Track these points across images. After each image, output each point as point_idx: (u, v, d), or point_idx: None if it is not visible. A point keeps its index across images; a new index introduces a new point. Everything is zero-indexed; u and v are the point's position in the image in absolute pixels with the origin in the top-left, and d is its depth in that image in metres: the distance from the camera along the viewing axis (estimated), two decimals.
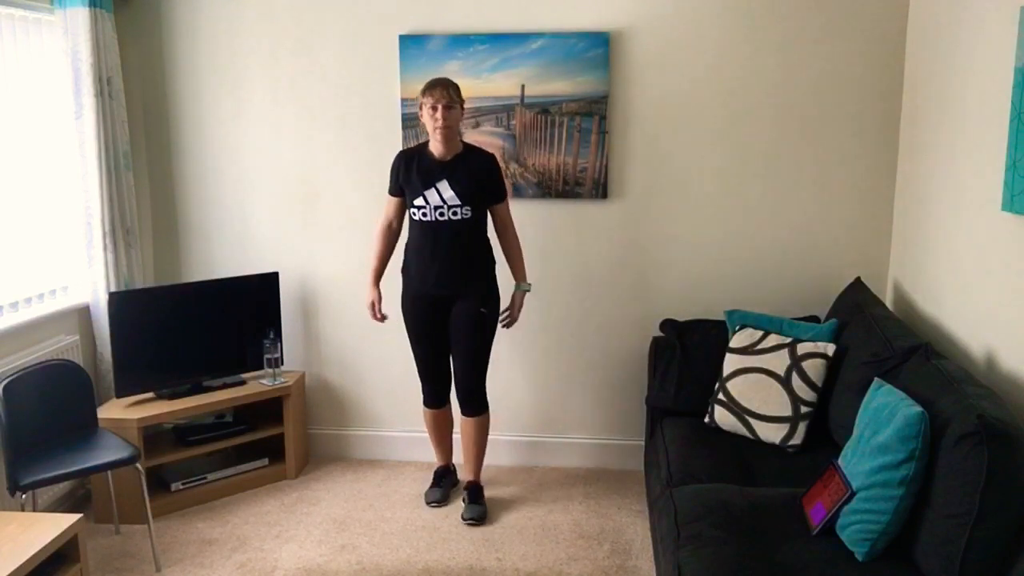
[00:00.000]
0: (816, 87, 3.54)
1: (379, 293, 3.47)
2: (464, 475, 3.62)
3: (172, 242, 4.01)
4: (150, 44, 3.87)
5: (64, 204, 3.59)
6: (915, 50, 3.36)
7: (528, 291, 3.47)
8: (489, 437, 3.89)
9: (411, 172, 3.28)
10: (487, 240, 3.39)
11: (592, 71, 3.60)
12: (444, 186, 3.23)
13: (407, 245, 3.40)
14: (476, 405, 3.46)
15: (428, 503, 3.55)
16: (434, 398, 3.54)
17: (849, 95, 3.53)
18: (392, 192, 3.39)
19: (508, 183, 3.72)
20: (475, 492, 3.53)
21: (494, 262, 3.42)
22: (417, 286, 3.36)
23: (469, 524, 3.40)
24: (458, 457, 3.70)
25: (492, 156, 3.35)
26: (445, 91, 3.16)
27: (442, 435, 3.65)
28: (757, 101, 3.58)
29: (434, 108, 3.16)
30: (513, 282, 3.44)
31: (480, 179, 3.27)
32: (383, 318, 3.48)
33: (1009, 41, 2.42)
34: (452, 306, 3.36)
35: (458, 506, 3.54)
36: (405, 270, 3.42)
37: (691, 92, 3.61)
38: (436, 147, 3.25)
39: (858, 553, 2.15)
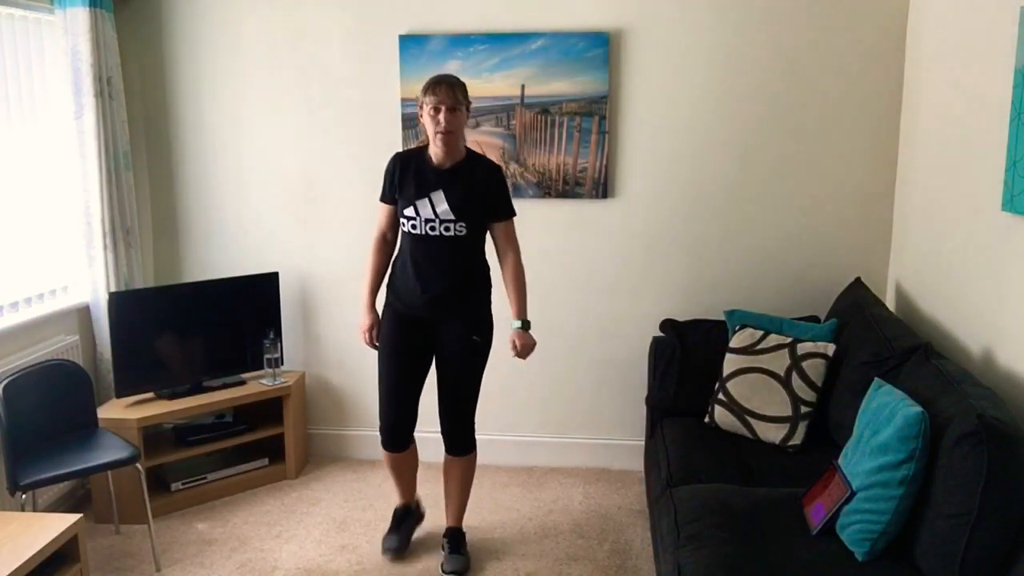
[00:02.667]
0: (816, 87, 3.54)
1: (376, 317, 3.08)
2: (446, 520, 3.21)
3: (172, 242, 4.02)
4: (150, 44, 3.87)
5: (64, 204, 3.59)
6: (915, 50, 3.36)
7: (524, 325, 3.00)
8: (489, 437, 3.90)
9: (406, 178, 2.92)
10: (484, 261, 3.02)
11: (592, 71, 3.60)
12: (439, 197, 2.86)
13: (396, 257, 3.06)
14: (464, 443, 3.09)
15: (384, 551, 3.13)
16: (394, 438, 3.07)
17: (849, 95, 3.53)
18: (384, 199, 3.01)
19: (508, 183, 3.71)
20: (456, 540, 3.13)
21: (490, 286, 3.06)
22: (402, 305, 2.99)
23: None
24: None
25: (498, 168, 2.99)
26: (451, 91, 2.77)
27: (403, 474, 3.21)
28: (757, 100, 3.58)
29: (436, 110, 2.78)
30: (515, 320, 3.00)
31: (480, 192, 2.89)
32: (377, 346, 3.08)
33: (1009, 41, 2.42)
34: (438, 331, 3.00)
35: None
36: (390, 283, 3.06)
37: (691, 92, 3.61)
38: (436, 153, 2.87)
39: (858, 553, 2.15)
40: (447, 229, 2.88)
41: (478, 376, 3.05)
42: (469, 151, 2.97)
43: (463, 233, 2.89)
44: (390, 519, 3.29)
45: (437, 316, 2.98)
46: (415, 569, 3.07)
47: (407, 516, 3.27)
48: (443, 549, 3.14)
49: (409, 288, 2.96)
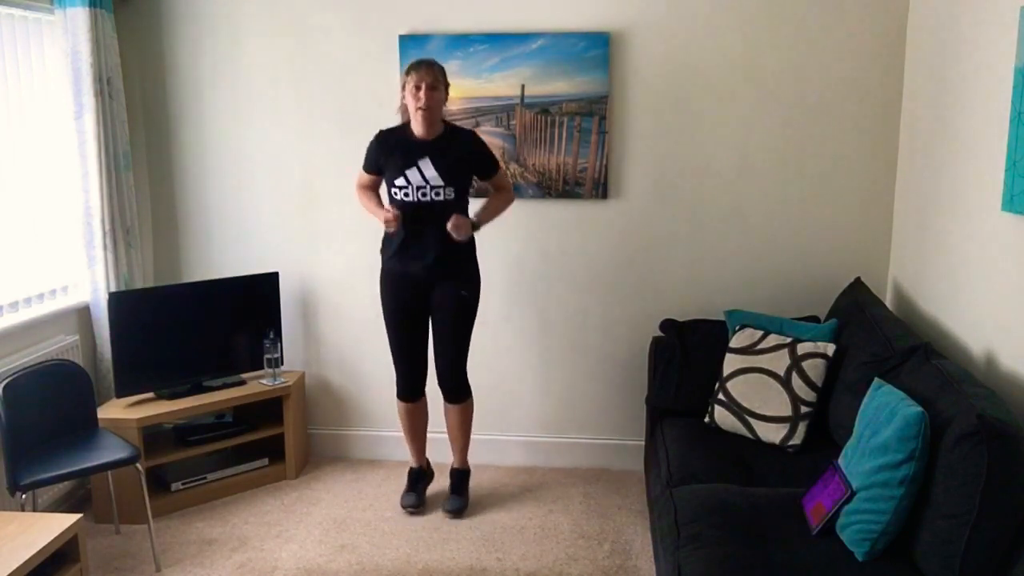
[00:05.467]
0: (816, 87, 3.54)
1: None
2: (451, 462, 3.59)
3: (172, 242, 4.02)
4: (150, 44, 3.87)
5: (64, 204, 3.59)
6: (915, 50, 3.36)
7: (474, 227, 3.23)
8: (489, 437, 3.91)
9: (392, 152, 3.19)
10: None
11: (592, 71, 3.60)
12: (427, 164, 3.14)
13: None
14: (459, 391, 3.41)
15: (404, 507, 3.46)
16: (408, 388, 3.43)
17: (849, 95, 3.53)
18: (367, 168, 3.31)
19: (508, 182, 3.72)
20: (460, 481, 3.53)
21: (475, 245, 3.35)
22: (396, 268, 3.28)
23: (449, 516, 3.41)
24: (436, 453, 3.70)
25: (473, 131, 3.33)
26: (430, 70, 3.06)
27: (416, 431, 3.54)
28: (757, 101, 3.58)
29: (417, 87, 3.05)
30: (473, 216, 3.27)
31: (465, 159, 3.20)
32: (398, 222, 3.16)
33: (1009, 41, 2.42)
34: (431, 290, 3.29)
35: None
36: (384, 250, 3.34)
37: (691, 92, 3.61)
38: (417, 128, 3.15)
39: (858, 553, 2.15)
40: (437, 194, 3.16)
41: (468, 328, 3.36)
42: (447, 124, 3.26)
43: (451, 198, 3.17)
44: (405, 479, 3.58)
45: (430, 277, 3.26)
46: (415, 569, 3.07)
47: (421, 476, 3.57)
48: (448, 486, 3.54)
49: (403, 252, 3.25)
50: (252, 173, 3.91)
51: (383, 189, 3.35)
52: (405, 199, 3.17)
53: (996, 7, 2.54)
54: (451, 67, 3.64)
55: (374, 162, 3.28)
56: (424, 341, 3.40)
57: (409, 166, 3.15)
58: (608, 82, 3.61)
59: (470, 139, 3.27)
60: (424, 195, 3.15)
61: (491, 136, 3.70)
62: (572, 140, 3.67)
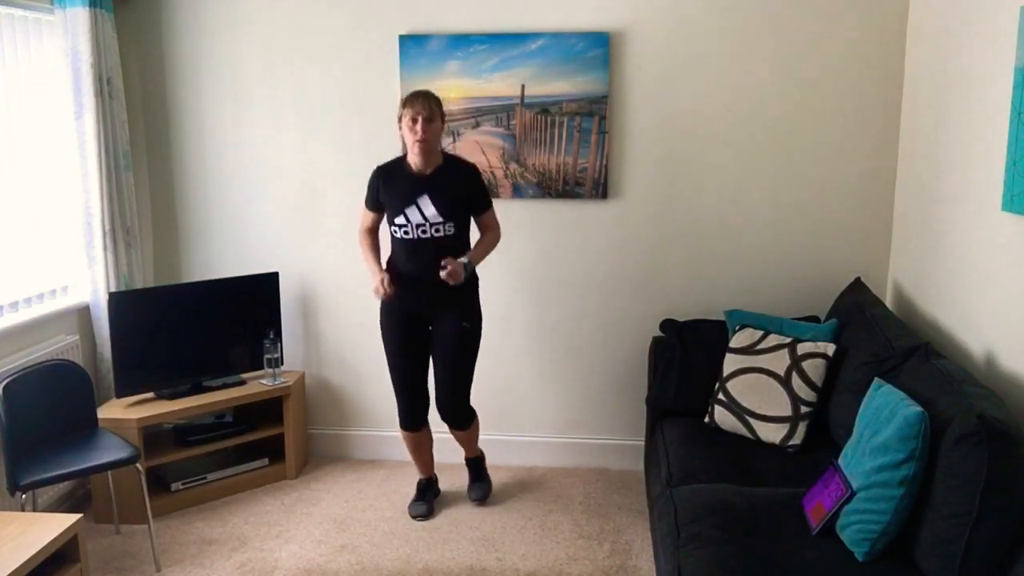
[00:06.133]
0: (816, 87, 3.54)
1: (386, 271, 3.23)
2: (465, 455, 3.63)
3: (172, 242, 4.02)
4: (150, 44, 3.87)
5: (64, 204, 3.59)
6: (915, 50, 3.36)
7: (465, 266, 3.13)
8: (489, 437, 3.91)
9: (391, 190, 3.20)
10: None
11: (592, 71, 3.60)
12: (425, 202, 3.14)
13: (389, 258, 3.30)
14: (463, 420, 3.42)
15: (413, 517, 3.45)
16: (411, 418, 3.40)
17: (849, 95, 3.53)
18: (369, 205, 3.31)
19: (508, 183, 3.72)
20: (476, 466, 3.61)
21: (477, 277, 3.33)
22: (398, 301, 3.25)
23: (476, 504, 3.50)
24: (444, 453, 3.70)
25: (473, 166, 3.28)
26: (426, 103, 3.07)
27: (421, 453, 3.52)
28: (757, 101, 3.58)
29: (414, 120, 3.07)
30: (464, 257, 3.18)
31: (460, 192, 3.18)
32: (391, 293, 3.17)
33: (1009, 41, 2.42)
34: (432, 322, 3.30)
35: (455, 511, 3.54)
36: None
37: (691, 92, 3.61)
38: (415, 161, 3.15)
39: (858, 553, 2.15)
40: (437, 231, 3.16)
41: (471, 360, 3.35)
42: (445, 155, 3.26)
43: (451, 232, 3.17)
44: (414, 490, 3.58)
45: (431, 311, 3.28)
46: (415, 569, 3.07)
47: (430, 486, 3.59)
48: (469, 476, 3.63)
49: (404, 288, 3.22)
50: (252, 173, 3.91)
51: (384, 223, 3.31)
52: (405, 236, 3.17)
53: (996, 7, 2.54)
54: (451, 67, 3.65)
55: (375, 199, 3.27)
56: (424, 372, 3.38)
57: (408, 205, 3.15)
58: (608, 82, 3.61)
59: (468, 172, 3.23)
60: (424, 232, 3.15)
61: (491, 136, 3.70)
62: (572, 140, 3.67)
